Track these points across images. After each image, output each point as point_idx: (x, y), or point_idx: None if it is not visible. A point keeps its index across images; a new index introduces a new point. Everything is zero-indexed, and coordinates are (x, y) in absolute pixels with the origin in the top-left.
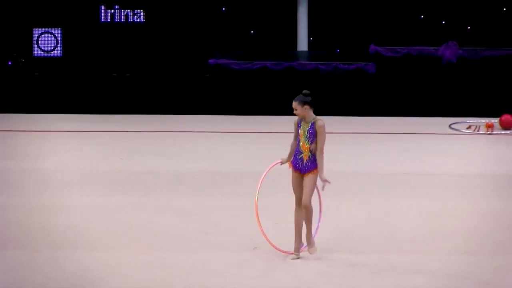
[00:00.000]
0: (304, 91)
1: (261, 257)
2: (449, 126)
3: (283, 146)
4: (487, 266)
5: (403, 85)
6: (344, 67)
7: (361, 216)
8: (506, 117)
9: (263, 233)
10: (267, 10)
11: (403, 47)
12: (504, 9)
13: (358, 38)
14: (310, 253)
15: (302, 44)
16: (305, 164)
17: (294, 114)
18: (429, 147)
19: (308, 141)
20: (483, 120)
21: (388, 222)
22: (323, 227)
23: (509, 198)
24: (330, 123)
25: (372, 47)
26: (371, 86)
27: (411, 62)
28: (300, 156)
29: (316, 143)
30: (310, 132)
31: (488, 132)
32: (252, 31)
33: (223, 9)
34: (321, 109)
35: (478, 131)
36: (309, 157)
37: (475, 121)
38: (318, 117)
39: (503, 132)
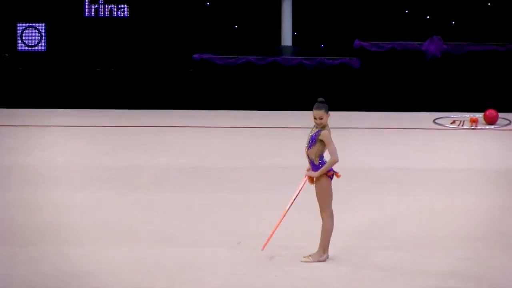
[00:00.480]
0: (320, 99)
1: (247, 253)
2: (433, 121)
3: (267, 141)
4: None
5: (387, 80)
6: (328, 62)
7: (347, 212)
8: (490, 112)
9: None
10: (251, 5)
11: (388, 42)
12: (489, 3)
13: (343, 33)
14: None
15: (287, 39)
16: (310, 171)
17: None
18: (413, 142)
19: (307, 145)
20: (468, 115)
21: (376, 217)
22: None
23: (494, 193)
24: (305, 118)
25: (357, 42)
26: (355, 81)
27: (395, 57)
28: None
29: (315, 149)
30: (312, 137)
31: (473, 127)
32: (236, 26)
33: (208, 4)
34: (305, 104)
35: (462, 126)
36: (309, 163)
37: (460, 116)
38: (327, 126)
39: (487, 127)
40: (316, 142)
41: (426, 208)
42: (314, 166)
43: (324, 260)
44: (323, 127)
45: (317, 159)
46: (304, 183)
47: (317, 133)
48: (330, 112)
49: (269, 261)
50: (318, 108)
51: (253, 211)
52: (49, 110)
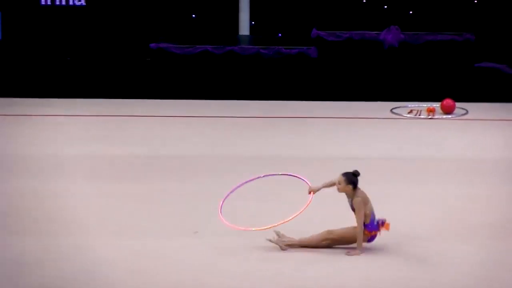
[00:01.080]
0: (355, 171)
1: (207, 242)
2: (391, 110)
3: (225, 130)
4: None
5: (344, 69)
6: (286, 52)
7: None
8: (447, 101)
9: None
10: None
11: (345, 32)
12: None
13: (300, 22)
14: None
15: (244, 28)
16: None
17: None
18: (370, 132)
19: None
20: (425, 105)
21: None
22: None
23: (450, 182)
24: (271, 108)
25: (314, 31)
26: (312, 70)
27: (353, 46)
28: None
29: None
30: (351, 207)
31: (430, 117)
32: (194, 15)
33: None
34: (263, 94)
35: (419, 115)
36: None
37: (417, 105)
38: (359, 192)
39: (444, 116)
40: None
41: (385, 196)
42: (368, 225)
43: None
44: (354, 195)
45: (368, 219)
46: (310, 202)
47: (350, 202)
48: (289, 102)
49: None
50: (343, 174)
51: (209, 200)
52: (3, 100)
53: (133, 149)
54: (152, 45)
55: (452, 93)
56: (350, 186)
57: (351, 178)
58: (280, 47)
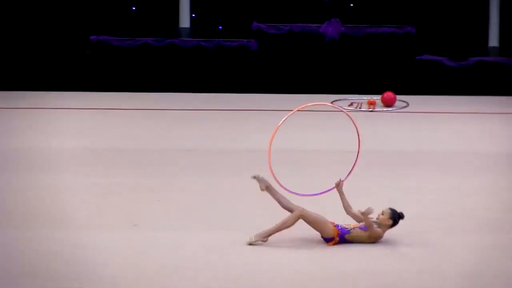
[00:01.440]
0: (401, 214)
1: (143, 235)
2: (331, 103)
3: (165, 124)
4: None
5: (285, 62)
6: (226, 44)
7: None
8: (388, 94)
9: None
10: None
11: (286, 24)
12: None
13: (241, 15)
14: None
15: (185, 20)
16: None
17: None
18: (309, 124)
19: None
20: (365, 97)
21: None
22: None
23: (390, 175)
24: (212, 100)
25: (255, 24)
26: (253, 63)
27: (293, 39)
28: None
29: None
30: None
31: (370, 109)
32: (134, 8)
33: None
34: (203, 86)
35: (360, 108)
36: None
37: (357, 98)
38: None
39: (385, 109)
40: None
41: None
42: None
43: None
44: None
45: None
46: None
47: (365, 228)
48: (230, 95)
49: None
50: (390, 208)
51: (149, 193)
52: None
53: (70, 142)
54: (92, 37)
55: (393, 86)
56: (391, 222)
57: (395, 215)
58: (220, 39)
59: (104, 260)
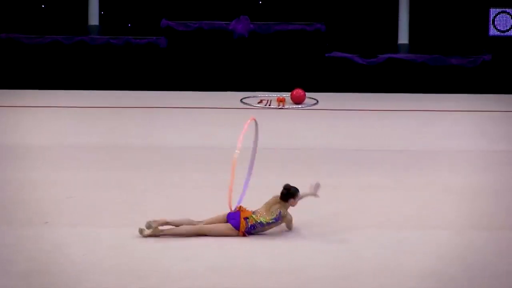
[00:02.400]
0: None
1: (54, 231)
2: (241, 100)
3: (72, 121)
4: None
5: (194, 59)
6: (135, 41)
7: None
8: (297, 91)
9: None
10: None
11: (195, 22)
12: None
13: (150, 12)
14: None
15: (94, 18)
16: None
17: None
18: (220, 121)
19: (266, 222)
20: (275, 95)
21: (177, 194)
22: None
23: (302, 172)
24: (121, 97)
25: (164, 21)
26: (162, 60)
27: (202, 36)
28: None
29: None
30: (276, 218)
31: (280, 107)
32: (43, 5)
33: None
34: (113, 84)
35: (269, 105)
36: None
37: (267, 95)
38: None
39: (294, 106)
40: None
41: (236, 185)
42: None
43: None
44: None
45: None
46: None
47: (280, 215)
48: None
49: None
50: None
51: (59, 190)
52: None
53: None
54: (2, 35)
55: (303, 83)
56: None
57: (294, 193)
58: (129, 37)
59: (14, 257)
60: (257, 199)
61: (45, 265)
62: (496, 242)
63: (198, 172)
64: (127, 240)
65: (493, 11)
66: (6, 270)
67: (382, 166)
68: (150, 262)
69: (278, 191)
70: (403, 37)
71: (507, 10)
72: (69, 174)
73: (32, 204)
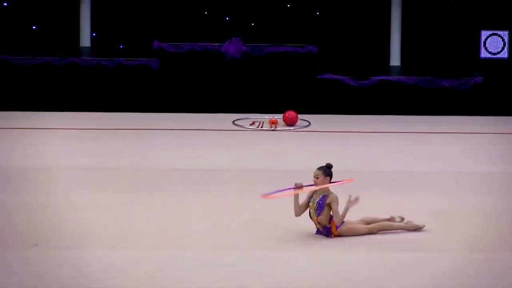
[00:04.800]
0: (328, 164)
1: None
2: (233, 122)
3: (62, 142)
4: None
5: (187, 81)
6: (127, 63)
7: (134, 210)
8: (289, 113)
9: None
10: (50, 5)
11: (187, 43)
12: (288, 5)
13: (142, 34)
14: None
15: (85, 39)
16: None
17: (312, 184)
18: (213, 143)
19: (315, 212)
20: (267, 116)
21: (169, 216)
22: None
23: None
24: (113, 119)
25: (156, 43)
26: (154, 82)
27: (195, 58)
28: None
29: (324, 214)
30: (319, 204)
31: (272, 128)
32: (34, 27)
33: (5, 4)
34: (105, 105)
35: (262, 127)
36: (319, 229)
37: (259, 117)
38: (332, 192)
39: (286, 128)
40: (324, 207)
41: (228, 207)
42: (327, 228)
43: None
44: (328, 192)
45: (328, 221)
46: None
47: (323, 199)
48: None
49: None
50: (318, 169)
51: (51, 213)
52: None
53: None
54: None
55: (295, 105)
56: (328, 178)
57: (328, 171)
58: (121, 58)
59: (3, 280)
60: (247, 220)
61: None
62: (488, 264)
63: (190, 195)
64: (118, 262)
65: (484, 34)
66: None
67: (374, 188)
68: (141, 285)
69: (270, 212)
70: (395, 59)
71: (498, 32)
72: (58, 196)
73: (21, 226)
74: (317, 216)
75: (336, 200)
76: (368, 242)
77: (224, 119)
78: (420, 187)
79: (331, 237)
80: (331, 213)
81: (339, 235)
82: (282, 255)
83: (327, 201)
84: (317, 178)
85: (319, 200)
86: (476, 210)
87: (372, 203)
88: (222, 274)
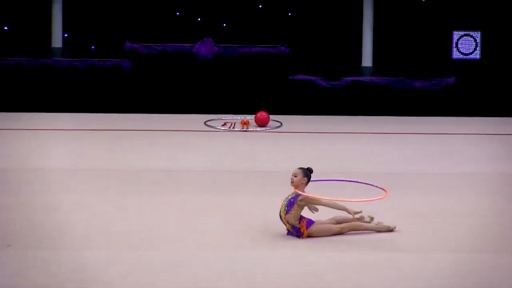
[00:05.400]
0: (310, 168)
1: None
2: (205, 123)
3: (35, 143)
4: None
5: (158, 82)
6: (99, 64)
7: (106, 211)
8: (261, 114)
9: None
10: (22, 6)
11: (159, 44)
12: (260, 6)
13: (114, 35)
14: None
15: (57, 40)
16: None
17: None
18: (183, 144)
19: (285, 210)
20: (239, 117)
21: (141, 218)
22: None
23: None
24: (85, 120)
25: (128, 43)
26: (126, 83)
27: (166, 58)
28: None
29: (292, 214)
30: (290, 201)
31: (244, 129)
32: (6, 27)
33: None
34: (77, 106)
35: (233, 128)
36: (289, 230)
37: (231, 118)
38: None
39: (258, 129)
40: (294, 205)
41: (202, 208)
42: (296, 229)
43: None
44: (304, 198)
45: (297, 221)
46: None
47: (295, 197)
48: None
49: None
50: (299, 168)
51: (22, 213)
52: None
53: None
54: None
55: (267, 106)
56: (306, 179)
57: (307, 173)
58: (93, 59)
59: None
60: (219, 221)
61: None
62: (461, 265)
63: (162, 195)
64: (90, 263)
65: (456, 34)
66: None
67: (346, 189)
68: (113, 286)
69: (242, 212)
70: (367, 60)
71: (470, 33)
72: (29, 197)
73: None
74: (286, 214)
75: (309, 199)
76: (340, 242)
77: (196, 120)
78: (393, 187)
79: (302, 237)
80: (309, 207)
81: (310, 236)
82: (255, 256)
83: (298, 200)
84: (295, 176)
85: (291, 198)
86: (449, 210)
87: (345, 204)
88: (195, 275)
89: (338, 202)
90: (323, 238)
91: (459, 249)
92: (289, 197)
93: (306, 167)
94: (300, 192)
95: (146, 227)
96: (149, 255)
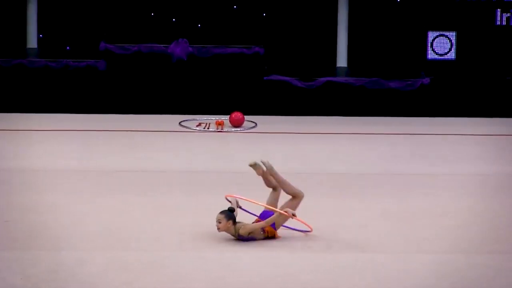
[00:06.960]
0: (230, 207)
1: None
2: (179, 123)
3: (9, 143)
4: None
5: (133, 82)
6: (74, 65)
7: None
8: (236, 114)
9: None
10: None
11: (134, 45)
12: (235, 6)
13: (88, 35)
14: None
15: (32, 41)
16: None
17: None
18: (158, 144)
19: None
20: (214, 118)
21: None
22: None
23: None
24: (60, 121)
25: (102, 44)
26: (101, 83)
27: (141, 59)
28: None
29: (257, 238)
30: (242, 239)
31: (219, 130)
32: None
33: None
34: (52, 107)
35: (208, 128)
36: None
37: (205, 118)
38: (239, 224)
39: (233, 129)
40: (250, 236)
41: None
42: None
43: None
44: (237, 229)
45: (262, 233)
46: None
47: (242, 237)
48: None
49: None
50: (221, 213)
51: None
52: None
53: None
54: None
55: (241, 106)
56: (231, 222)
57: (230, 215)
58: (68, 60)
59: None
60: (194, 221)
61: None
62: (435, 265)
63: (136, 196)
64: (65, 264)
65: (431, 34)
66: None
67: (320, 189)
68: (87, 287)
69: (216, 213)
70: (342, 60)
71: (445, 33)
72: (1, 198)
73: None
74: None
75: (248, 227)
76: (315, 242)
77: (170, 120)
78: (367, 188)
79: (265, 233)
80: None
81: (242, 238)
82: (229, 256)
83: (246, 235)
84: (219, 222)
85: (240, 237)
86: (424, 211)
87: (318, 204)
88: (169, 276)
89: (273, 216)
90: (297, 238)
91: (434, 250)
92: (236, 237)
93: (227, 209)
94: (240, 233)
95: (121, 227)
96: (124, 255)
